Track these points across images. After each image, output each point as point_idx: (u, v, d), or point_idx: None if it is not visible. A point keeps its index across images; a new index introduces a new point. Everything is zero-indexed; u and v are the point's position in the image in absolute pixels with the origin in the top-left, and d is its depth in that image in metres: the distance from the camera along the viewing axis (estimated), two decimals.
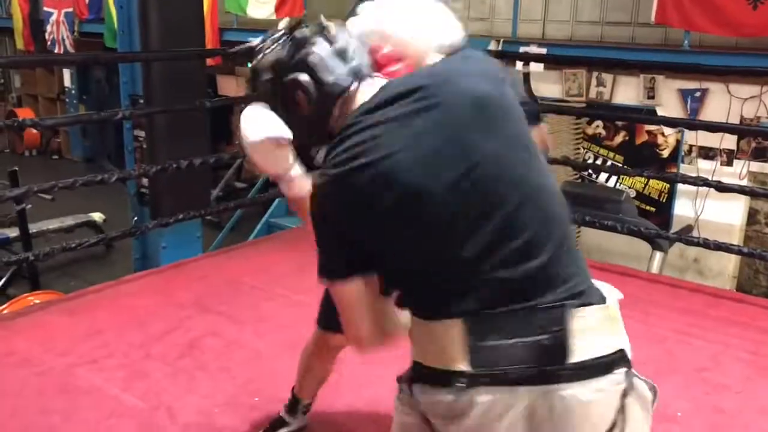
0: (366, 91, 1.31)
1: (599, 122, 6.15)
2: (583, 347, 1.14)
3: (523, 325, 1.14)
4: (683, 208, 5.77)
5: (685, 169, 5.66)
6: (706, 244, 3.90)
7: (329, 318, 2.02)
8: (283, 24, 1.42)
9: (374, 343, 1.30)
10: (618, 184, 6.15)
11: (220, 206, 4.70)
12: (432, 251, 1.19)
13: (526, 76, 5.93)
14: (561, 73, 6.08)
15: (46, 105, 11.65)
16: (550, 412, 1.13)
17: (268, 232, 6.16)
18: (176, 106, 3.84)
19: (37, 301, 3.74)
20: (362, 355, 1.37)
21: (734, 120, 5.27)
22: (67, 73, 10.94)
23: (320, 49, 1.32)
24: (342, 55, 1.33)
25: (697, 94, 5.54)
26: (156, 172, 3.95)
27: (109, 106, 7.79)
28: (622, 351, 1.19)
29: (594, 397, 1.14)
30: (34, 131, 11.64)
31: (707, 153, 5.64)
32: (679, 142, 5.75)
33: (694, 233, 5.44)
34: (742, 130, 5.13)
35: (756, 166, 5.42)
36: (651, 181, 5.86)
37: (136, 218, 4.41)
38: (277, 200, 6.23)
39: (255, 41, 1.43)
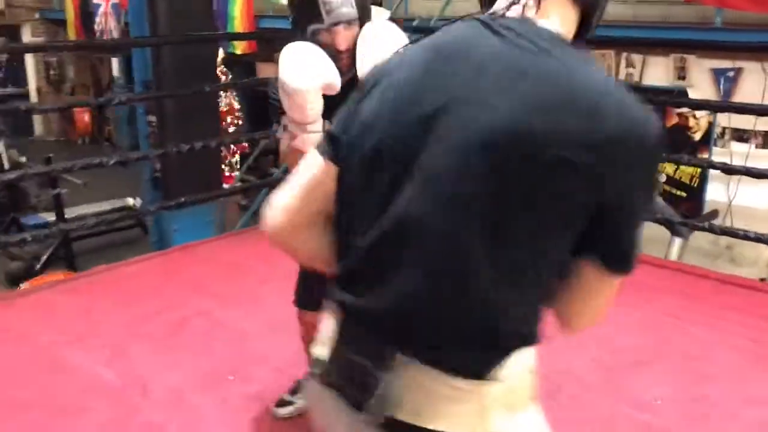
0: None
1: None
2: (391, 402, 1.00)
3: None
4: (716, 193, 5.56)
5: (718, 152, 5.46)
6: (729, 233, 3.75)
7: (303, 297, 2.03)
8: None
9: (278, 222, 1.13)
10: None
11: (231, 188, 4.75)
12: None
13: None
14: (589, 54, 5.91)
15: (98, 94, 12.00)
16: None
17: None
18: (179, 91, 3.90)
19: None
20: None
21: None
22: (115, 63, 11.25)
23: None
24: None
25: (731, 73, 5.31)
26: (160, 155, 4.05)
27: None
28: None
29: None
30: (86, 119, 12.06)
31: (741, 135, 5.41)
32: (711, 125, 5.53)
33: (726, 220, 5.25)
34: None
35: None
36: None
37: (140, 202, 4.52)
38: None
39: None
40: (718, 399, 2.49)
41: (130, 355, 2.76)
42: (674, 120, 5.70)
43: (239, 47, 8.76)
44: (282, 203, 1.12)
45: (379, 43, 1.71)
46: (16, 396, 2.44)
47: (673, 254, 4.44)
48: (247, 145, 8.35)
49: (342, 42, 1.75)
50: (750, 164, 4.26)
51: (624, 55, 5.79)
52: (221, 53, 8.91)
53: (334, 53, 1.74)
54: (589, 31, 1.05)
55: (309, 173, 1.10)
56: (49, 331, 2.93)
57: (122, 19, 10.34)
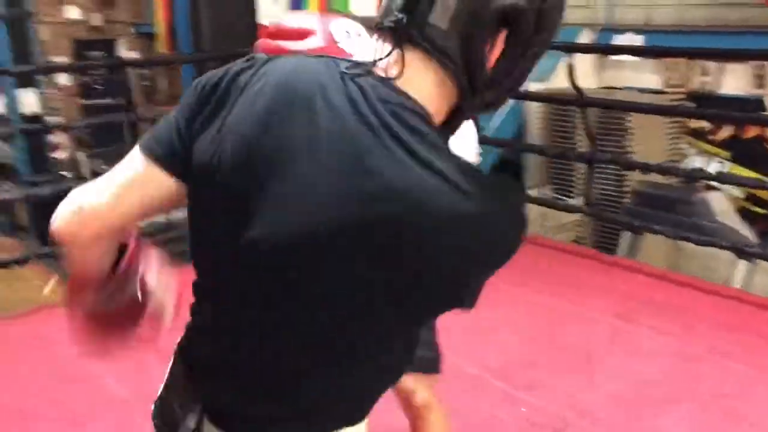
0: None
1: None
2: None
3: None
4: None
5: None
6: None
7: None
8: None
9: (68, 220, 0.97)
10: None
11: None
12: None
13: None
14: (660, 62, 5.61)
15: None
16: None
17: None
18: None
19: None
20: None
21: None
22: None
23: None
24: None
25: None
26: None
27: None
28: None
29: None
30: None
31: None
32: None
33: None
34: None
35: None
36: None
37: None
38: None
39: None
40: None
41: (148, 369, 2.82)
42: (752, 132, 5.32)
43: None
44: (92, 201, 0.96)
45: None
46: (30, 406, 2.54)
47: (737, 279, 4.12)
48: None
49: None
50: None
51: (698, 62, 5.45)
52: None
53: None
54: (470, 110, 0.88)
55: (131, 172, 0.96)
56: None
57: None
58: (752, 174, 5.10)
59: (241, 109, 0.89)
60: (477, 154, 1.48)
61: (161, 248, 1.09)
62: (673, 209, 4.10)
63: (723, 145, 5.51)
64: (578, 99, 4.06)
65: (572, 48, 4.34)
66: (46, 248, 6.51)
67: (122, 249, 1.03)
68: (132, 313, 1.05)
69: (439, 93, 0.84)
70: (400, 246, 0.80)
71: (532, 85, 5.00)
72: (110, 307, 1.05)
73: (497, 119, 5.98)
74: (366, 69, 0.85)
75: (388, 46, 0.83)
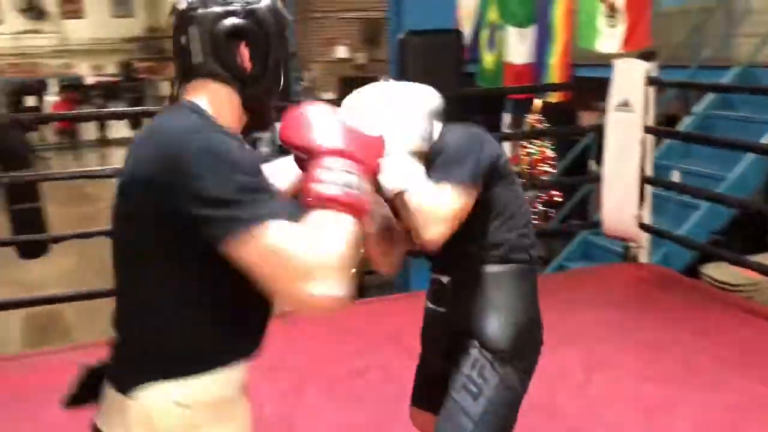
0: None
1: None
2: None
3: None
4: None
5: None
6: None
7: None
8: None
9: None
10: None
11: None
12: None
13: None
14: None
15: None
16: None
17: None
18: None
19: None
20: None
21: None
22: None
23: None
24: None
25: None
26: None
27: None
28: None
29: None
30: None
31: None
32: None
33: None
34: None
35: None
36: None
37: None
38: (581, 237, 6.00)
39: None
40: None
41: (305, 392, 2.97)
42: None
43: (554, 96, 8.72)
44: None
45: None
46: None
47: None
48: (559, 193, 8.31)
49: None
50: None
51: None
52: (539, 102, 9.01)
53: None
54: (249, 100, 1.26)
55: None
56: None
57: None
58: None
59: None
60: (421, 138, 1.60)
61: None
62: None
63: None
64: None
65: None
66: None
67: None
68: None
69: (223, 96, 1.24)
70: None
71: None
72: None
73: (740, 166, 5.37)
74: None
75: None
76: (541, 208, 8.60)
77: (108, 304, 1.32)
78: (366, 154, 1.18)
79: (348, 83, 13.58)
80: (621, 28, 6.91)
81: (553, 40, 8.67)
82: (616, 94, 4.13)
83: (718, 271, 4.74)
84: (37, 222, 6.70)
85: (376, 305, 4.13)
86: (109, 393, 1.20)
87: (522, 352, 1.65)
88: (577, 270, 5.70)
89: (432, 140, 1.63)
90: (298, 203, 1.14)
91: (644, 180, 4.10)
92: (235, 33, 1.21)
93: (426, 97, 1.68)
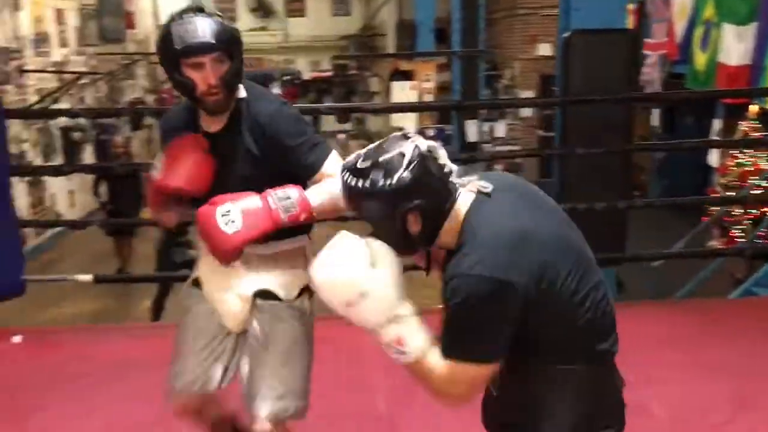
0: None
1: None
2: None
3: None
4: None
5: None
6: None
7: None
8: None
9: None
10: None
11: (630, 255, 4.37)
12: None
13: None
14: None
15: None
16: None
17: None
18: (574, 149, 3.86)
19: None
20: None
21: None
22: (656, 114, 11.25)
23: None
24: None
25: None
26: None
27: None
28: None
29: None
30: None
31: None
32: None
33: None
34: None
35: None
36: None
37: None
38: None
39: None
40: None
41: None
42: None
43: None
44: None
45: None
46: None
47: None
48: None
49: None
50: None
51: None
52: (755, 107, 8.13)
53: None
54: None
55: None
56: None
57: (665, 69, 10.31)
58: None
59: None
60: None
61: None
62: None
63: None
64: None
65: None
66: None
67: None
68: None
69: None
70: None
71: None
72: None
73: None
74: None
75: None
76: (748, 225, 7.77)
77: None
78: None
79: (548, 81, 13.17)
80: None
81: None
82: None
83: None
84: None
85: None
86: None
87: None
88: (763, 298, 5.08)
89: None
90: None
91: None
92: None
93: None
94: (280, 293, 1.93)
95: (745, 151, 8.05)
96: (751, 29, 7.96)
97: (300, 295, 1.94)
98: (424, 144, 1.43)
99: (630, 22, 11.27)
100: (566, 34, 4.03)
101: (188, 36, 1.76)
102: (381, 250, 1.46)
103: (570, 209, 3.92)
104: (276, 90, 19.82)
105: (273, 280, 1.92)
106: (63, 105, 9.52)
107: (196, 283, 2.02)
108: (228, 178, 1.84)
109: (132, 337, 3.81)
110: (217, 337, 1.96)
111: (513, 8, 13.09)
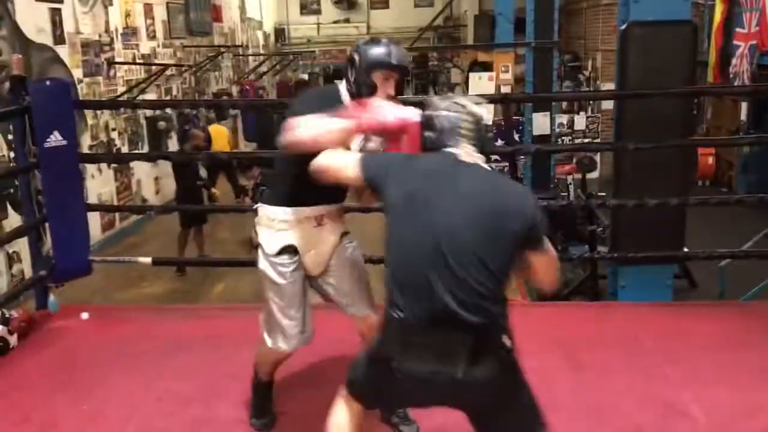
0: None
1: None
2: None
3: None
4: None
5: None
6: None
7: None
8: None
9: None
10: None
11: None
12: None
13: None
14: None
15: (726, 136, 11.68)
16: None
17: None
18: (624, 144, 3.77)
19: None
20: None
21: None
22: (744, 107, 10.75)
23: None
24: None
25: None
26: (615, 206, 4.01)
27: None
28: None
29: None
30: (710, 161, 11.87)
31: None
32: None
33: None
34: None
35: None
36: None
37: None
38: None
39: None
40: None
41: None
42: None
43: None
44: None
45: None
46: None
47: None
48: None
49: None
50: None
51: None
52: None
53: None
54: None
55: None
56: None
57: (755, 60, 9.83)
58: None
59: None
60: None
61: None
62: None
63: None
64: None
65: None
66: None
67: None
68: None
69: None
70: None
71: None
72: None
73: None
74: None
75: None
76: None
77: None
78: None
79: None
80: None
81: None
82: None
83: None
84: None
85: (557, 310, 3.95)
86: None
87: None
88: None
89: None
90: None
91: None
92: None
93: None
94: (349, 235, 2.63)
95: None
96: None
97: None
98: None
99: (720, 11, 10.83)
100: (624, 26, 3.95)
101: (396, 56, 2.35)
102: None
103: (620, 205, 3.88)
104: None
105: (341, 227, 2.59)
106: (150, 96, 9.99)
107: (282, 252, 2.49)
108: None
109: (193, 317, 4.00)
110: (307, 296, 2.57)
111: None
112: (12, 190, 6.42)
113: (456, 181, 1.93)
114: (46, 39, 7.67)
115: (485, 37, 13.19)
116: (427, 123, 2.05)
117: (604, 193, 7.14)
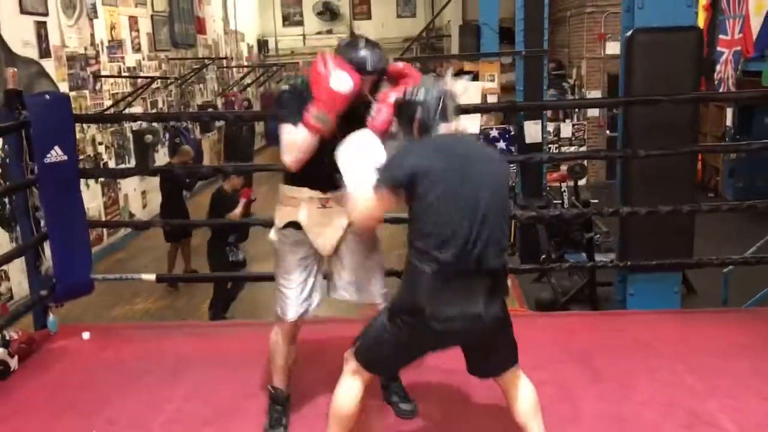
0: None
1: None
2: None
3: None
4: None
5: None
6: None
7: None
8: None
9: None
10: None
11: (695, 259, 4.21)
12: None
13: None
14: None
15: (711, 143, 11.77)
16: None
17: None
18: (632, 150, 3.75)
19: None
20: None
21: None
22: (729, 113, 10.84)
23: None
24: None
25: None
26: (628, 213, 3.98)
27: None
28: None
29: None
30: (697, 167, 11.92)
31: None
32: None
33: None
34: None
35: None
36: None
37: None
38: None
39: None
40: None
41: (473, 396, 2.94)
42: None
43: None
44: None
45: None
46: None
47: None
48: None
49: None
50: None
51: None
52: None
53: None
54: None
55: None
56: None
57: (739, 66, 9.93)
58: None
59: None
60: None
61: None
62: None
63: None
64: None
65: None
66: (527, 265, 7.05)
67: None
68: None
69: None
70: None
71: None
72: None
73: None
74: None
75: None
76: None
77: None
78: None
79: (616, 80, 12.83)
80: None
81: None
82: None
83: None
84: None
85: (568, 319, 3.91)
86: None
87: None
88: None
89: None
90: None
91: None
92: None
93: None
94: None
95: None
96: None
97: None
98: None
99: (702, 18, 10.93)
100: (629, 33, 3.94)
101: (371, 62, 2.48)
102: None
103: (632, 213, 3.85)
104: None
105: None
106: (136, 109, 9.86)
107: (287, 226, 2.65)
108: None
109: (196, 336, 3.91)
110: (313, 270, 2.69)
111: (581, 6, 12.85)
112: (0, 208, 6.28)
113: (471, 151, 2.33)
114: (32, 52, 7.54)
115: (470, 46, 13.21)
116: (414, 105, 2.29)
117: (596, 200, 7.15)
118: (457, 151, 2.28)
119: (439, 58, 16.68)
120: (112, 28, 9.80)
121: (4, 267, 6.34)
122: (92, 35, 9.11)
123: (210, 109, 13.43)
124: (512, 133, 10.57)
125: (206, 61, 13.95)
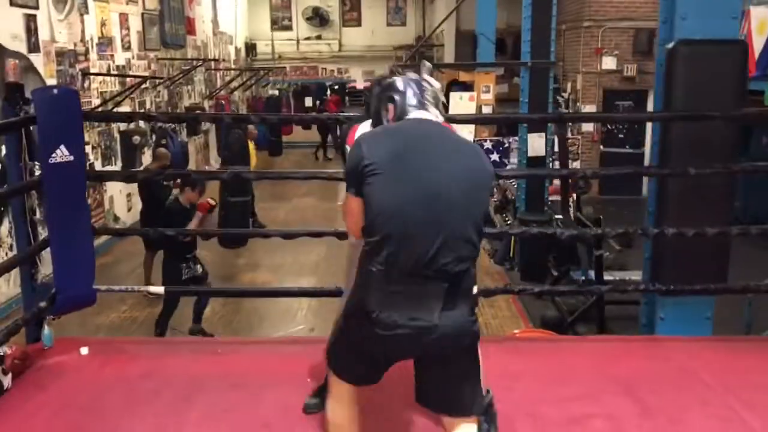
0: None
1: None
2: None
3: None
4: None
5: None
6: None
7: None
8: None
9: None
10: None
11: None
12: None
13: None
14: None
15: None
16: None
17: None
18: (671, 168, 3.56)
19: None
20: None
21: None
22: None
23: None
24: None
25: None
26: (656, 234, 3.79)
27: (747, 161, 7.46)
28: None
29: None
30: None
31: None
32: None
33: None
34: None
35: None
36: None
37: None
38: None
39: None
40: None
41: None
42: None
43: None
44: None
45: None
46: None
47: None
48: None
49: None
50: None
51: None
52: None
53: None
54: None
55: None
56: None
57: None
58: None
59: None
60: None
61: None
62: None
63: None
64: None
65: None
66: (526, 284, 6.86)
67: None
68: None
69: None
70: None
71: None
72: None
73: None
74: None
75: None
76: None
77: None
78: None
79: (612, 96, 12.77)
80: None
81: None
82: None
83: None
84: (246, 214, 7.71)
85: (606, 345, 3.71)
86: None
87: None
88: None
89: None
90: None
91: None
92: None
93: None
94: None
95: None
96: None
97: None
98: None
99: None
100: (669, 45, 3.75)
101: None
102: None
103: (661, 234, 3.65)
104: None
105: None
106: (124, 108, 9.54)
107: None
108: None
109: (204, 353, 3.64)
110: None
111: (577, 20, 12.77)
112: None
113: (435, 142, 2.11)
114: (21, 46, 7.21)
115: (466, 56, 13.07)
116: (392, 88, 2.21)
117: (600, 216, 6.99)
118: (423, 139, 2.10)
119: (443, 66, 16.54)
120: (103, 24, 9.48)
121: None
122: (82, 31, 8.78)
123: (197, 112, 13.10)
124: (506, 145, 10.45)
125: (195, 62, 13.64)
